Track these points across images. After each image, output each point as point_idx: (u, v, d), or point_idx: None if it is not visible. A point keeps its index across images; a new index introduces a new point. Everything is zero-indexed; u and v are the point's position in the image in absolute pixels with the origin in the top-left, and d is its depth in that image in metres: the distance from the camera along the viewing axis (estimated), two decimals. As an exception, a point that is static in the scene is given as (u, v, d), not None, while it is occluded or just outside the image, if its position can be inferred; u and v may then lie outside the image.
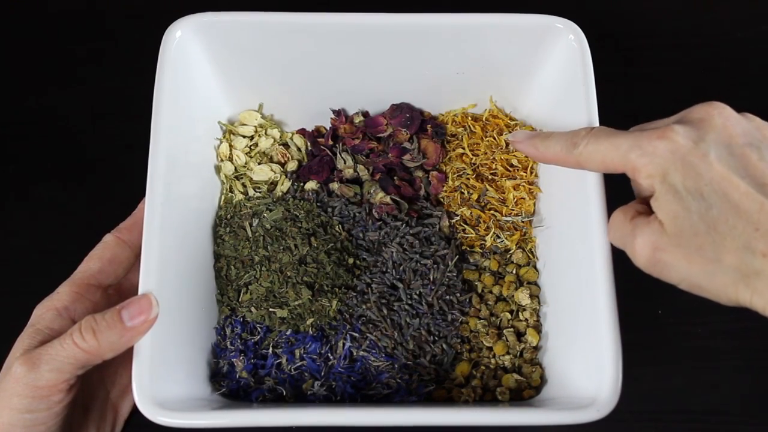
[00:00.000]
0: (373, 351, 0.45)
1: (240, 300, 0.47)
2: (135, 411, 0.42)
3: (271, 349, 0.45)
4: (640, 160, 0.34)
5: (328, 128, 0.54)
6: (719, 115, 0.34)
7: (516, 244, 0.49)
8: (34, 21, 0.64)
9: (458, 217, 0.50)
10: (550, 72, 0.49)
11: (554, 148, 0.39)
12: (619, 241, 0.36)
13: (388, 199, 0.49)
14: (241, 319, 0.46)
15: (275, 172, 0.51)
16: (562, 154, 0.39)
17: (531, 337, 0.46)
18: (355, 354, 0.45)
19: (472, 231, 0.49)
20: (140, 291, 0.40)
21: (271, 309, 0.46)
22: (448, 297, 0.47)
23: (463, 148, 0.52)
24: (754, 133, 0.34)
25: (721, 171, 0.32)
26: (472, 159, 0.52)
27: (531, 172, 0.51)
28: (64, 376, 0.38)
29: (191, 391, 0.42)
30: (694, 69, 0.62)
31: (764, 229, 0.31)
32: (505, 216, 0.50)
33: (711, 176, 0.32)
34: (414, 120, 0.52)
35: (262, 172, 0.51)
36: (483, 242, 0.49)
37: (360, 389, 0.45)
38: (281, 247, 0.47)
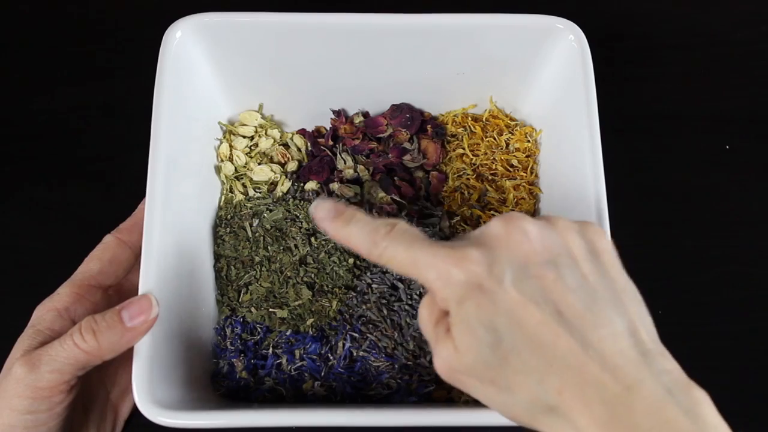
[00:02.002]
0: (373, 351, 0.45)
1: (240, 300, 0.47)
2: (135, 411, 0.42)
3: (271, 349, 0.45)
4: (436, 283, 0.32)
5: (328, 128, 0.54)
6: (515, 230, 0.32)
7: (516, 245, 0.49)
8: (34, 22, 0.64)
9: (458, 218, 0.50)
10: (550, 72, 0.49)
11: (356, 238, 0.35)
12: (426, 337, 0.34)
13: (388, 200, 0.49)
14: (241, 320, 0.46)
15: (275, 173, 0.51)
16: (363, 248, 0.35)
17: (531, 338, 0.46)
18: (355, 354, 0.45)
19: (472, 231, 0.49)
20: (140, 291, 0.40)
21: (271, 309, 0.46)
22: (448, 297, 0.47)
23: (464, 149, 0.52)
24: (555, 243, 0.32)
25: (516, 298, 0.30)
26: (472, 159, 0.52)
27: (531, 173, 0.51)
28: (65, 377, 0.38)
29: (191, 391, 0.42)
30: (694, 69, 0.62)
31: (559, 365, 0.29)
32: (506, 216, 0.50)
33: (505, 305, 0.30)
34: (414, 120, 0.52)
35: (263, 173, 0.51)
36: (483, 242, 0.49)
37: (360, 390, 0.45)
38: (281, 248, 0.47)
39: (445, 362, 0.32)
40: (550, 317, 0.30)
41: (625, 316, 0.31)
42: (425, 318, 0.34)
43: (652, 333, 0.31)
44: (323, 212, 0.36)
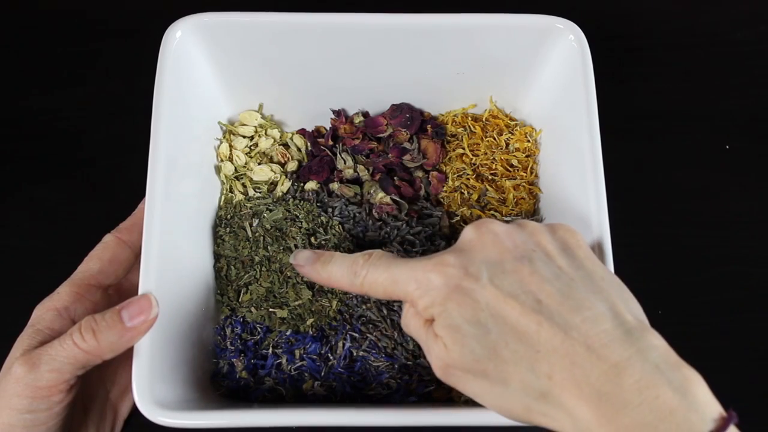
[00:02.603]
0: (373, 351, 0.45)
1: (240, 300, 0.47)
2: (135, 411, 0.42)
3: (271, 349, 0.45)
4: (416, 293, 0.33)
5: (328, 128, 0.54)
6: (487, 232, 0.34)
7: (516, 245, 0.49)
8: (34, 21, 0.64)
9: (458, 217, 0.50)
10: (550, 72, 0.49)
11: (336, 274, 0.38)
12: (416, 339, 0.36)
13: (388, 199, 0.49)
14: (241, 320, 0.46)
15: (275, 173, 0.51)
16: (345, 281, 0.37)
17: (531, 338, 0.46)
18: (354, 354, 0.45)
19: (472, 231, 0.49)
20: (140, 291, 0.40)
21: (271, 309, 0.46)
22: (448, 297, 0.47)
23: (463, 149, 0.52)
24: (527, 241, 0.34)
25: (495, 293, 0.32)
26: (472, 159, 0.52)
27: (531, 173, 0.51)
28: (64, 377, 0.38)
29: (191, 391, 0.42)
30: (694, 69, 0.62)
31: (545, 350, 0.30)
32: (505, 216, 0.50)
33: (486, 300, 0.32)
34: (414, 120, 0.52)
35: (262, 173, 0.51)
36: (483, 242, 0.49)
37: (360, 389, 0.45)
38: (281, 248, 0.47)
39: (439, 361, 0.33)
40: (530, 307, 0.31)
41: (604, 300, 0.32)
42: (414, 326, 0.35)
43: (637, 312, 0.32)
44: (302, 260, 0.39)
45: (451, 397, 0.45)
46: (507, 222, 0.36)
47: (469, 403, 0.44)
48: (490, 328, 0.31)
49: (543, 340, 0.30)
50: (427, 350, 0.34)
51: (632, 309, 0.32)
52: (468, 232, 0.35)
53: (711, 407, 0.29)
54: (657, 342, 0.30)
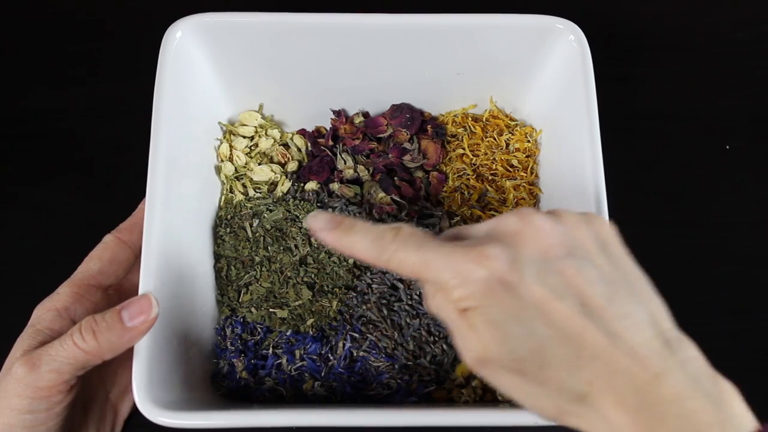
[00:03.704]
0: (373, 351, 0.45)
1: (240, 300, 0.47)
2: (135, 411, 0.42)
3: (271, 349, 0.45)
4: (452, 282, 0.31)
5: (328, 129, 0.54)
6: (530, 225, 0.32)
7: (516, 245, 0.49)
8: (34, 21, 0.64)
9: (458, 218, 0.50)
10: (551, 72, 0.49)
11: (359, 245, 0.34)
12: (444, 322, 0.34)
13: (388, 200, 0.49)
14: (242, 320, 0.46)
15: (275, 173, 0.51)
16: (369, 254, 0.34)
17: (531, 338, 0.46)
18: (355, 354, 0.45)
19: (472, 231, 0.49)
20: (140, 291, 0.39)
21: (271, 309, 0.46)
22: (448, 297, 0.47)
23: (464, 149, 0.52)
24: (568, 236, 0.32)
25: (541, 293, 0.30)
26: (472, 159, 0.52)
27: (531, 173, 0.51)
28: (64, 377, 0.38)
29: (191, 391, 0.42)
30: (694, 69, 0.62)
31: (588, 355, 0.29)
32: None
33: (530, 300, 0.30)
34: (414, 120, 0.52)
35: (263, 173, 0.51)
36: (483, 242, 0.49)
37: (360, 390, 0.45)
38: (281, 248, 0.47)
39: (473, 353, 0.32)
40: (576, 310, 0.30)
41: (643, 306, 0.31)
42: (445, 311, 0.33)
43: (670, 321, 0.32)
44: (321, 222, 0.35)
45: (451, 398, 0.45)
46: (544, 212, 0.34)
47: (469, 403, 0.44)
48: (534, 329, 0.30)
49: (586, 345, 0.30)
50: (459, 338, 0.33)
51: (665, 316, 0.32)
52: (511, 222, 0.33)
53: (746, 420, 0.29)
54: (693, 353, 0.30)
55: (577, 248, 0.32)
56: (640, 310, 0.31)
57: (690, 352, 0.30)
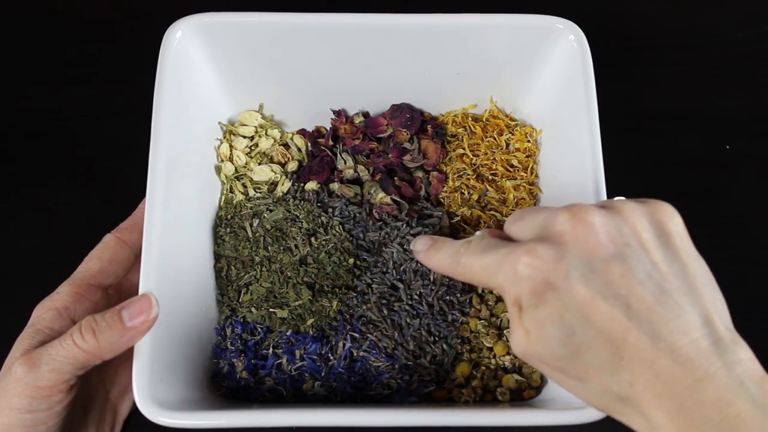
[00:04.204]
0: (374, 351, 0.45)
1: (240, 300, 0.47)
2: (135, 411, 0.42)
3: (271, 349, 0.45)
4: (505, 284, 0.33)
5: (328, 128, 0.54)
6: (580, 224, 0.32)
7: (516, 245, 0.49)
8: (34, 21, 0.64)
9: (458, 218, 0.50)
10: (551, 72, 0.49)
11: (442, 261, 0.38)
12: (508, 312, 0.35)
13: (388, 200, 0.49)
14: (242, 320, 0.46)
15: (275, 173, 0.51)
16: (449, 268, 0.37)
17: (531, 338, 0.46)
18: (355, 354, 0.45)
19: (472, 231, 0.49)
20: (140, 291, 0.40)
21: (271, 309, 0.46)
22: (448, 297, 0.47)
23: (464, 149, 0.52)
24: (622, 232, 0.32)
25: (584, 294, 0.30)
26: (472, 159, 0.52)
27: (531, 173, 0.51)
28: (64, 377, 0.38)
29: (191, 391, 0.42)
30: (694, 69, 0.62)
31: (629, 357, 0.29)
32: (506, 216, 0.50)
33: (573, 301, 0.30)
34: (414, 120, 0.52)
35: (263, 173, 0.51)
36: (483, 242, 0.49)
37: (360, 390, 0.45)
38: (281, 248, 0.47)
39: (519, 346, 0.33)
40: (619, 312, 0.30)
41: (698, 305, 0.31)
42: (508, 306, 0.34)
43: (726, 319, 0.31)
44: (421, 245, 0.40)
45: (451, 397, 0.45)
46: (601, 204, 0.33)
47: (469, 403, 0.44)
48: (575, 330, 0.30)
49: (628, 347, 0.29)
50: (511, 331, 0.33)
51: (722, 314, 0.31)
52: (562, 221, 0.32)
53: None
54: (744, 355, 0.30)
55: (629, 245, 0.31)
56: (693, 310, 0.30)
57: (741, 354, 0.30)
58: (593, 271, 0.31)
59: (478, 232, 0.37)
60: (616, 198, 0.35)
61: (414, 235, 0.48)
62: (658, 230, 0.32)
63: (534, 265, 0.31)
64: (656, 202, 0.34)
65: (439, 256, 0.38)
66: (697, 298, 0.31)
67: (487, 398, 0.45)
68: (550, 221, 0.33)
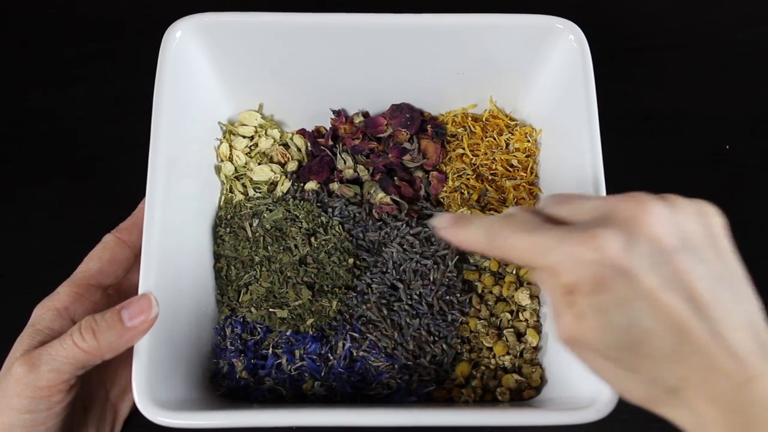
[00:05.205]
0: (373, 351, 0.45)
1: (240, 300, 0.47)
2: (135, 411, 0.42)
3: (271, 349, 0.45)
4: (562, 266, 0.31)
5: (328, 128, 0.54)
6: (647, 214, 0.31)
7: (516, 245, 0.49)
8: (34, 21, 0.64)
9: (458, 218, 0.50)
10: (550, 72, 0.49)
11: (474, 236, 0.35)
12: (551, 304, 0.34)
13: (388, 200, 0.49)
14: (241, 320, 0.46)
15: (275, 173, 0.51)
16: (482, 244, 0.35)
17: (531, 338, 0.46)
18: (355, 354, 0.45)
19: (472, 231, 0.49)
20: (140, 291, 0.40)
21: (271, 309, 0.46)
22: (448, 297, 0.47)
23: (463, 149, 0.52)
24: (680, 227, 0.32)
25: (650, 285, 0.30)
26: (472, 159, 0.52)
27: (531, 173, 0.51)
28: (64, 377, 0.38)
29: (191, 391, 0.42)
30: (694, 69, 0.62)
31: (686, 351, 0.29)
32: (505, 216, 0.50)
33: (638, 291, 0.30)
34: (414, 120, 0.52)
35: (262, 173, 0.51)
36: (483, 242, 0.49)
37: (360, 389, 0.45)
38: (281, 248, 0.47)
39: (568, 333, 0.32)
40: (684, 305, 0.30)
41: (743, 307, 0.31)
42: (549, 283, 0.33)
43: (765, 325, 0.31)
44: (443, 222, 0.37)
45: (451, 397, 0.45)
46: (658, 198, 0.33)
47: (469, 403, 0.44)
48: (639, 319, 0.30)
49: (686, 341, 0.29)
50: (557, 317, 0.33)
51: (761, 318, 0.31)
52: (626, 206, 0.32)
53: None
54: None
55: (689, 240, 0.31)
56: (741, 312, 0.30)
57: None
58: (661, 262, 0.30)
59: (512, 208, 0.36)
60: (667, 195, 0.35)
61: (414, 235, 0.48)
62: (708, 230, 0.33)
63: (602, 249, 0.30)
64: (703, 203, 0.34)
65: (469, 230, 0.35)
66: (742, 299, 0.31)
67: (486, 398, 0.45)
68: (614, 206, 0.32)
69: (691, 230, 0.32)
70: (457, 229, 0.36)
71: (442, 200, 0.51)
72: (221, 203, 0.50)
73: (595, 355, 0.32)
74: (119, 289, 0.46)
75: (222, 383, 0.45)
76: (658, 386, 0.30)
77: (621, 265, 0.30)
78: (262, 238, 0.48)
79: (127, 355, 0.39)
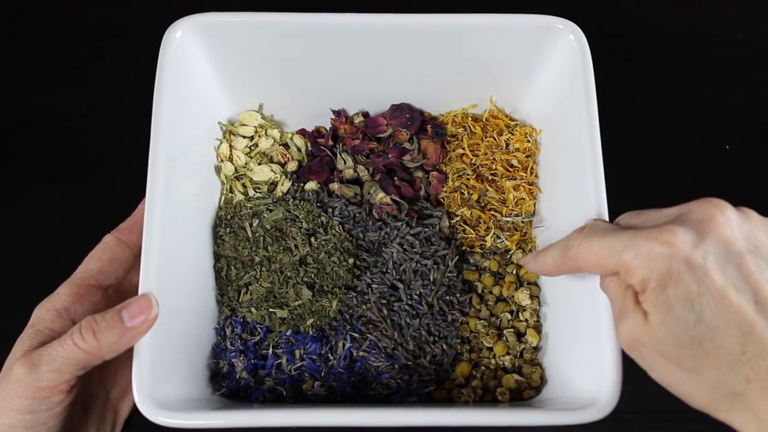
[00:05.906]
0: (373, 351, 0.45)
1: (240, 300, 0.47)
2: (135, 411, 0.42)
3: (271, 349, 0.45)
4: (634, 262, 0.32)
5: (328, 128, 0.54)
6: (721, 215, 0.32)
7: (516, 245, 0.49)
8: (34, 21, 0.64)
9: (458, 218, 0.50)
10: (550, 72, 0.49)
11: (551, 257, 0.37)
12: (609, 301, 0.35)
13: (388, 200, 0.49)
14: (242, 320, 0.46)
15: (275, 173, 0.51)
16: (558, 261, 0.37)
17: (531, 338, 0.46)
18: (355, 354, 0.45)
19: (472, 231, 0.49)
20: (140, 291, 0.40)
21: (271, 309, 0.46)
22: (448, 297, 0.47)
23: (463, 149, 0.52)
24: (752, 235, 0.32)
25: (718, 283, 0.30)
26: (472, 159, 0.52)
27: (531, 173, 0.51)
28: (65, 377, 0.38)
29: (191, 391, 0.42)
30: (694, 69, 0.62)
31: (752, 352, 0.29)
32: (505, 216, 0.50)
33: (706, 287, 0.30)
34: (414, 120, 0.52)
35: (262, 173, 0.51)
36: (483, 243, 0.49)
37: (360, 390, 0.45)
38: (281, 248, 0.47)
39: (631, 334, 0.32)
40: (749, 305, 0.30)
41: None
42: (613, 289, 0.34)
43: None
44: (526, 259, 0.41)
45: (451, 397, 0.45)
46: (734, 208, 0.34)
47: (469, 403, 0.44)
48: (704, 317, 0.30)
49: (752, 342, 0.29)
50: (620, 318, 0.33)
51: None
52: (701, 209, 0.33)
53: None
54: None
55: (758, 248, 0.32)
56: None
57: None
58: (730, 264, 0.31)
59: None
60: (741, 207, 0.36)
61: (414, 236, 0.48)
62: None
63: (673, 243, 0.31)
64: None
65: (547, 254, 0.38)
66: None
67: (486, 398, 0.45)
68: (688, 209, 0.33)
69: (761, 239, 0.33)
70: (539, 257, 0.39)
71: (442, 200, 0.51)
72: (221, 203, 0.50)
73: (656, 357, 0.32)
74: (119, 290, 0.46)
75: (222, 383, 0.45)
76: (722, 389, 0.30)
77: (692, 259, 0.31)
78: (262, 238, 0.48)
79: (127, 356, 0.39)
